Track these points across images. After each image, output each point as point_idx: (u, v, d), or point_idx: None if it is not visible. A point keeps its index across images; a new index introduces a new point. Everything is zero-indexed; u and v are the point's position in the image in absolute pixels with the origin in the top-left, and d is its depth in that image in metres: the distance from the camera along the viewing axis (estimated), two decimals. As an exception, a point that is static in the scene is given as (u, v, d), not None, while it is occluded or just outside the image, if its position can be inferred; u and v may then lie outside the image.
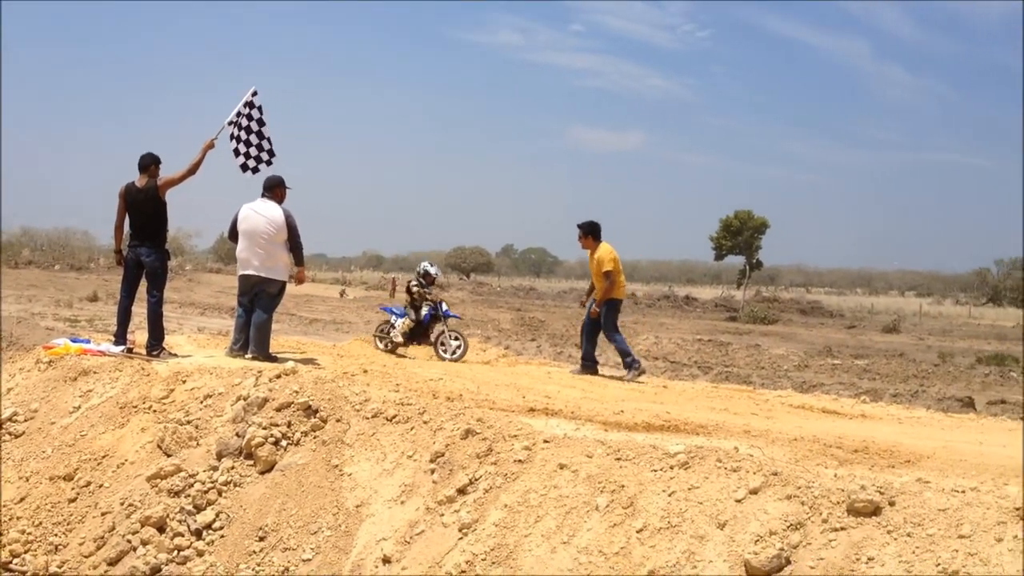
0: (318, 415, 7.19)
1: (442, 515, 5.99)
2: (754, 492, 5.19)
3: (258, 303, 9.68)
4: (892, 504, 4.78)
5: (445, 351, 11.76)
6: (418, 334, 12.19)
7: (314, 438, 7.08)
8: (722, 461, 5.51)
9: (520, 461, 6.09)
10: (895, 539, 4.60)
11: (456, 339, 11.85)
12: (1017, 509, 4.51)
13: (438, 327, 12.11)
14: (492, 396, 7.97)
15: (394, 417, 6.98)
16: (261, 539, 6.53)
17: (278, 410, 7.27)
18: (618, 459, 5.83)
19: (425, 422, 6.83)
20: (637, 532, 5.27)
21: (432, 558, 5.76)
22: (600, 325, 11.25)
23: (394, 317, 12.30)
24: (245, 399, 7.50)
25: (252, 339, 9.58)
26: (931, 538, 4.53)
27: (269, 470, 6.97)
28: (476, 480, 6.10)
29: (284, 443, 7.09)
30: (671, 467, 5.60)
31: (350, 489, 6.57)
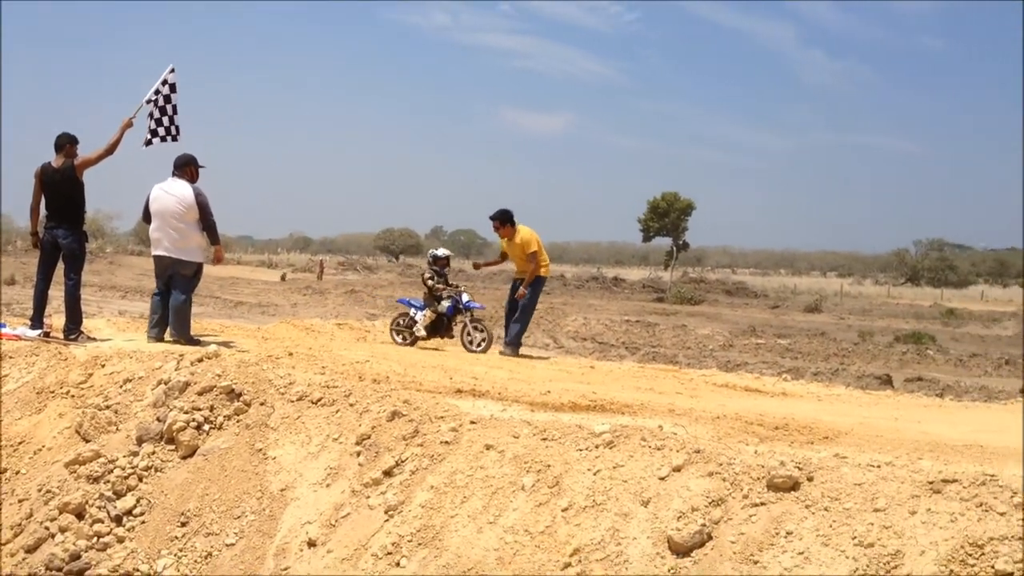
0: (241, 399, 7.10)
1: (368, 497, 5.97)
2: (677, 470, 5.25)
3: (175, 285, 9.47)
4: (810, 479, 4.88)
5: (471, 343, 11.36)
6: (441, 327, 11.72)
7: (237, 422, 6.99)
8: (646, 440, 5.57)
9: (446, 442, 6.09)
10: (813, 513, 4.70)
11: (481, 331, 11.37)
12: (930, 483, 4.63)
13: (462, 319, 11.62)
14: (419, 378, 7.94)
15: (319, 400, 6.92)
16: (183, 524, 6.44)
17: (200, 394, 7.16)
18: (544, 439, 5.85)
19: (351, 404, 6.78)
20: (563, 511, 5.30)
21: (358, 540, 5.74)
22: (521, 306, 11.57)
23: (413, 310, 11.80)
24: (166, 383, 7.38)
25: (172, 323, 9.40)
26: (848, 512, 4.63)
27: (191, 455, 6.87)
28: (402, 462, 6.08)
29: (206, 427, 6.99)
30: (596, 446, 5.64)
31: (274, 473, 6.50)
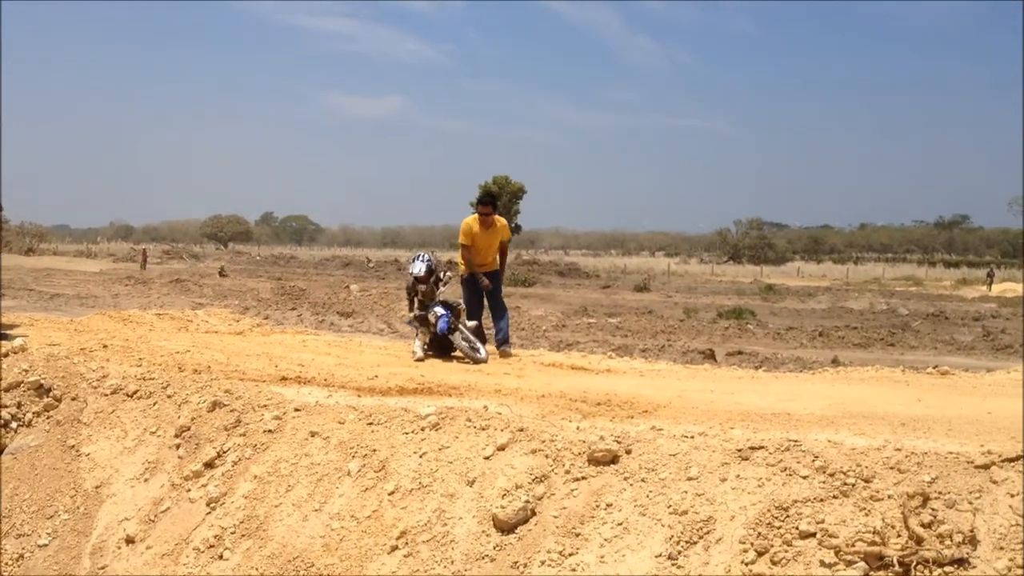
0: (51, 394, 6.78)
1: (188, 491, 5.81)
2: (502, 448, 5.32)
3: None
4: (629, 452, 5.03)
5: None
6: (446, 346, 9.71)
7: (47, 418, 6.68)
8: (471, 420, 5.62)
9: (270, 431, 5.99)
10: (631, 485, 4.84)
11: (472, 348, 9.50)
12: (739, 451, 4.84)
13: (457, 335, 9.63)
14: (243, 367, 7.75)
15: (135, 393, 6.68)
16: (-9, 527, 6.13)
17: (6, 390, 6.82)
18: (370, 424, 5.83)
19: (169, 396, 6.57)
20: (389, 495, 5.30)
21: (178, 535, 5.58)
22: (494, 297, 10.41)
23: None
24: (-32, 380, 6.97)
25: (-25, 316, 8.87)
26: (663, 482, 4.79)
27: (-2, 454, 6.53)
28: (224, 453, 5.95)
29: (14, 425, 6.67)
30: (422, 429, 5.66)
31: (88, 470, 6.25)
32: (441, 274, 10.05)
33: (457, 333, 9.51)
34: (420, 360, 9.43)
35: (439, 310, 9.60)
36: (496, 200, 10.78)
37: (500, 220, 10.51)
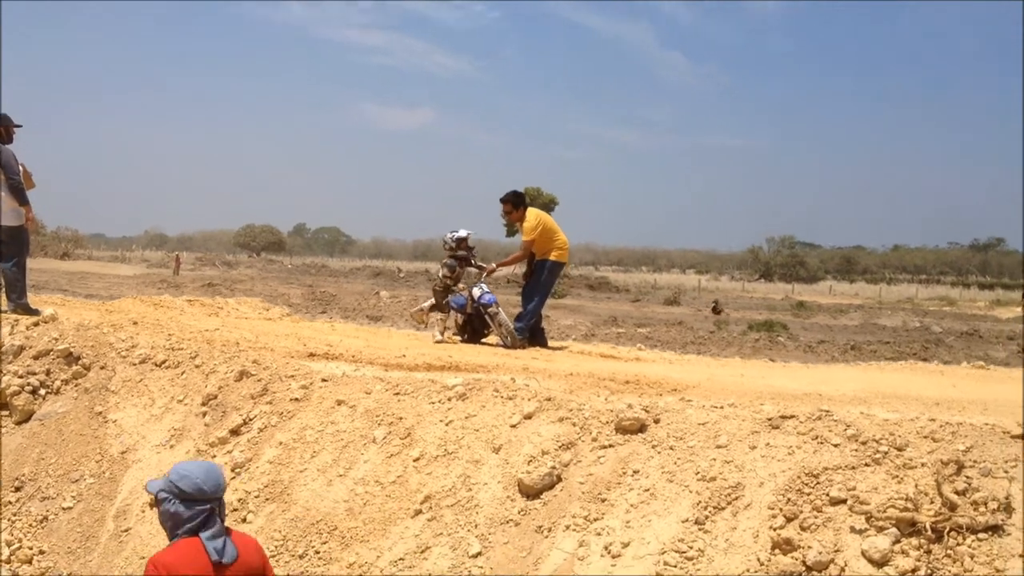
0: (80, 362, 6.82)
1: (214, 456, 5.81)
2: (528, 417, 5.28)
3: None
4: (657, 421, 4.97)
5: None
6: (479, 330, 9.65)
7: (76, 386, 6.72)
8: (499, 391, 5.58)
9: (296, 399, 5.98)
10: (659, 452, 4.78)
11: (500, 325, 9.36)
12: (769, 420, 4.76)
13: (500, 314, 9.40)
14: (271, 344, 7.73)
15: (164, 362, 6.70)
16: (17, 489, 6.19)
17: (36, 358, 6.86)
18: (397, 394, 5.81)
19: (197, 366, 6.59)
20: (414, 461, 5.27)
21: (203, 499, 5.56)
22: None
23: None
24: (-1, 348, 7.02)
25: (6, 293, 8.86)
26: (691, 449, 4.72)
27: (27, 420, 6.60)
28: (250, 420, 5.95)
29: (43, 392, 6.70)
30: (449, 399, 5.63)
31: (115, 436, 6.27)
32: (473, 260, 9.85)
33: (500, 313, 9.36)
34: (440, 342, 9.34)
35: (484, 286, 9.45)
36: (513, 199, 9.90)
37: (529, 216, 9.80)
